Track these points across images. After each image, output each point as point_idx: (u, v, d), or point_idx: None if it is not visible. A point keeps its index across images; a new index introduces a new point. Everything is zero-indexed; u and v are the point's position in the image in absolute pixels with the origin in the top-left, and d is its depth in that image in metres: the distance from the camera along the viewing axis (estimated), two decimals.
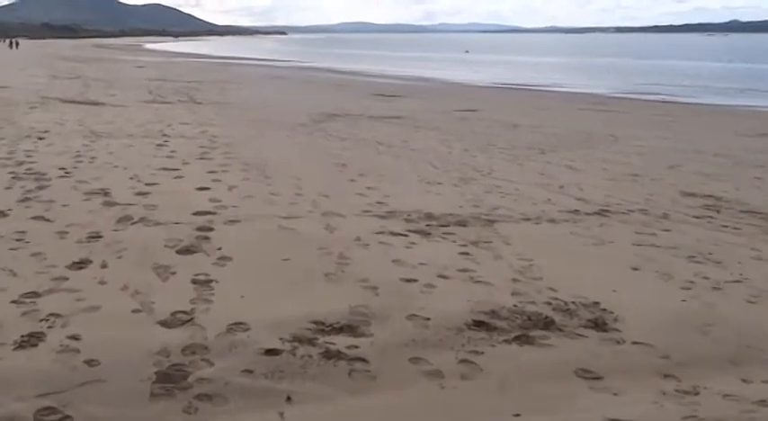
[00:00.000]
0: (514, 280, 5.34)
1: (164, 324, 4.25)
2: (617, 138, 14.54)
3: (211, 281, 5.02)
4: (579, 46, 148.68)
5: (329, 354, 3.94)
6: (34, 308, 4.41)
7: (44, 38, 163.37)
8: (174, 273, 5.16)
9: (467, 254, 5.98)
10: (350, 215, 7.11)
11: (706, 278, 5.62)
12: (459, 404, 3.55)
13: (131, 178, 8.44)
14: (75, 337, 3.99)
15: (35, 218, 6.55)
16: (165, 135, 12.32)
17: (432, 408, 3.50)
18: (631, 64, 64.56)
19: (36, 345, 3.90)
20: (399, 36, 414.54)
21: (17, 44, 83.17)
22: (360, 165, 10.21)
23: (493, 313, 4.63)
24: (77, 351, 3.83)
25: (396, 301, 4.77)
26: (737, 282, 5.59)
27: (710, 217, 7.84)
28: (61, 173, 8.61)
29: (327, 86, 30.44)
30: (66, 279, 4.95)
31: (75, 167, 9.00)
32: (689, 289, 5.36)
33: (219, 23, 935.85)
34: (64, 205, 7.02)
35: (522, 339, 4.28)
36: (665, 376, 3.93)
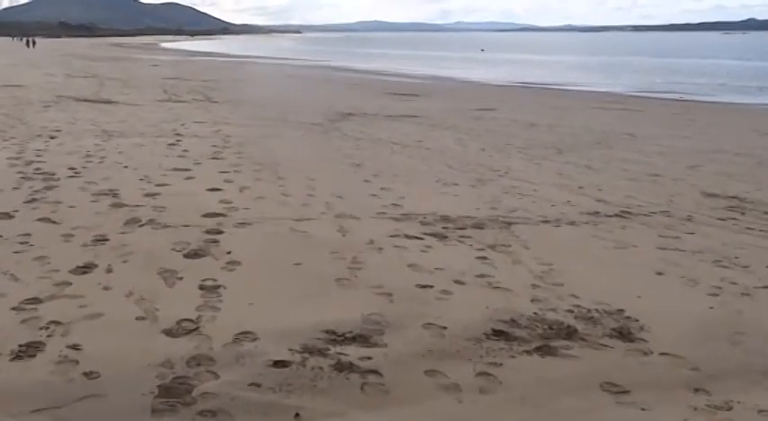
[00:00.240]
0: (534, 286, 5.14)
1: (168, 333, 4.10)
2: (635, 137, 14.28)
3: (219, 286, 4.87)
4: (595, 44, 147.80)
5: (341, 366, 3.76)
6: (35, 315, 4.27)
7: (60, 37, 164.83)
8: (180, 279, 5.01)
9: (484, 258, 5.79)
10: (364, 217, 6.95)
11: (734, 283, 5.40)
12: (477, 420, 3.37)
13: (141, 179, 8.33)
14: (75, 347, 3.84)
15: (41, 219, 6.43)
16: (177, 134, 12.24)
17: None
18: (648, 62, 63.96)
19: (34, 356, 3.75)
20: (416, 35, 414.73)
21: (34, 43, 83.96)
22: (374, 165, 10.04)
23: (512, 322, 4.44)
24: (76, 362, 3.69)
25: (411, 309, 4.59)
26: (767, 287, 5.36)
27: (735, 219, 7.59)
28: (70, 173, 8.52)
29: (343, 85, 30.34)
30: (70, 284, 4.81)
31: (84, 167, 8.91)
32: (716, 295, 5.15)
33: (235, 22, 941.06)
34: (71, 206, 6.92)
35: (544, 350, 4.09)
36: (696, 390, 3.73)
